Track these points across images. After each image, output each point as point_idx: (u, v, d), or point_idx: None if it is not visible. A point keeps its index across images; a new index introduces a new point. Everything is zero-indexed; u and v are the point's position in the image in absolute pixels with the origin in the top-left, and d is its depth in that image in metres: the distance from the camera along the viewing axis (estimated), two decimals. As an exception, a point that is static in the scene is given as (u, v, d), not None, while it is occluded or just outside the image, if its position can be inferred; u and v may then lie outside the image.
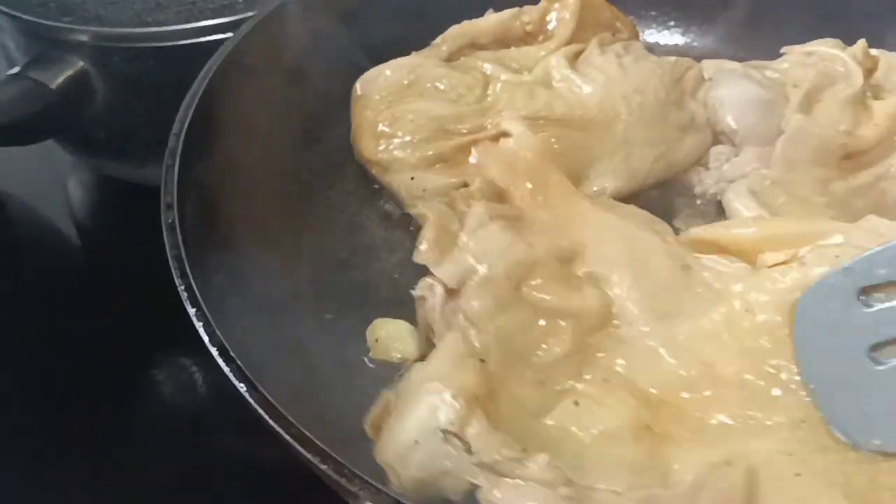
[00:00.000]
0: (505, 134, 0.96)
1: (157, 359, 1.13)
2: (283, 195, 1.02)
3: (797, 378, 0.75)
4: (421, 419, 0.71)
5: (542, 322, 0.81)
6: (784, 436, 0.73)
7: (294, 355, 0.85)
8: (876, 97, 1.06)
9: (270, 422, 0.62)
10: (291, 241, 0.99)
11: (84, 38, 1.11)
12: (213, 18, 1.12)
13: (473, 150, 0.94)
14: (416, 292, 0.85)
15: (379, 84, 1.06)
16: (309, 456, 0.61)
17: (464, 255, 0.81)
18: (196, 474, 0.98)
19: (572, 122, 1.03)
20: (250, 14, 1.10)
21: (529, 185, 0.89)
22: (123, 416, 1.05)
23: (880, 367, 0.71)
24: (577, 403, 0.75)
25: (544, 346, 0.80)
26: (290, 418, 0.63)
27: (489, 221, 0.84)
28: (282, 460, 0.83)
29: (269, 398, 0.64)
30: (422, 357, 0.84)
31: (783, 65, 1.13)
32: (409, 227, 1.01)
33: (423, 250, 0.83)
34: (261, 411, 0.63)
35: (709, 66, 1.14)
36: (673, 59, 1.14)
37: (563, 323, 0.81)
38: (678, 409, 0.75)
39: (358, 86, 1.07)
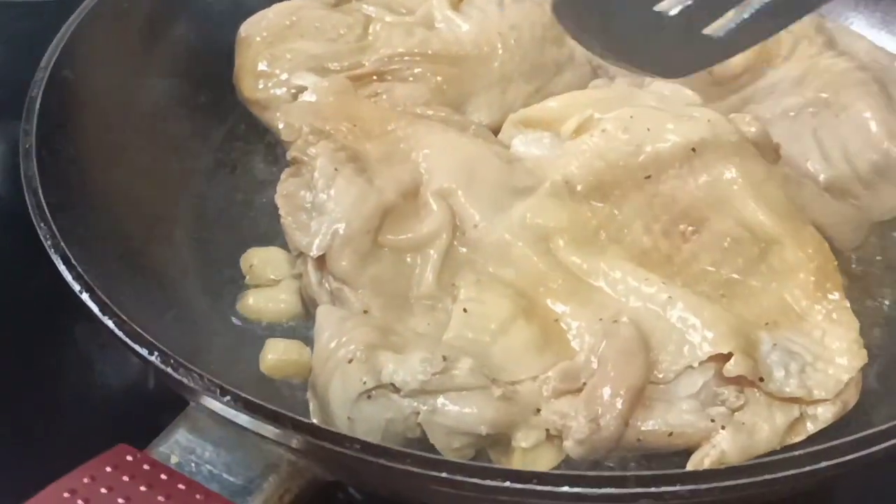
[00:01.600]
0: (302, 89, 0.98)
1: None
2: (167, 136, 1.03)
3: (621, 218, 0.82)
4: (339, 397, 0.73)
5: (408, 258, 0.84)
6: (640, 273, 0.78)
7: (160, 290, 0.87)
8: (745, 26, 1.08)
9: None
10: (174, 183, 1.01)
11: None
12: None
13: (278, 115, 0.95)
14: (293, 271, 0.88)
15: (261, 26, 1.08)
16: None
17: (319, 222, 0.83)
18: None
19: (447, 59, 1.05)
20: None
21: (344, 123, 0.91)
22: (46, 385, 1.00)
23: None
24: (465, 311, 0.77)
25: (417, 277, 0.83)
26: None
27: (335, 174, 0.85)
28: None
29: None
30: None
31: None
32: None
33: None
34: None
35: (590, 6, 1.16)
36: (554, -1, 1.16)
37: (430, 251, 0.84)
38: (544, 286, 0.79)
39: (242, 28, 1.10)
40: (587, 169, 0.85)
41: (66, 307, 0.69)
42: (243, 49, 1.08)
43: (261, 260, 0.92)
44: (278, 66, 1.04)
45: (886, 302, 0.91)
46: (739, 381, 0.73)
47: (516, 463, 0.74)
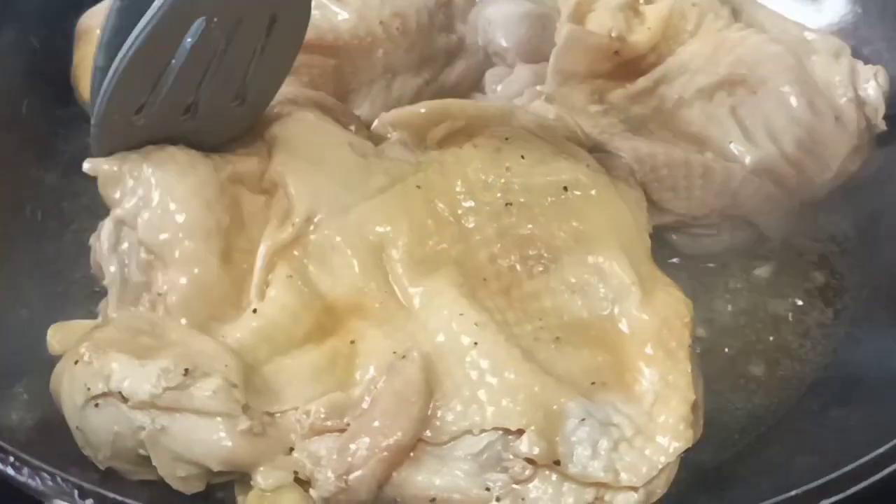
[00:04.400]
0: None
1: None
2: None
3: (470, 241, 0.74)
4: (68, 404, 0.65)
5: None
6: (457, 306, 0.69)
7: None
8: (648, 2, 1.00)
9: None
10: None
11: None
12: None
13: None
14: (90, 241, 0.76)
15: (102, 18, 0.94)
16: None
17: (138, 185, 0.72)
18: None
19: (322, 49, 0.93)
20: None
21: None
22: None
23: None
24: (255, 312, 0.68)
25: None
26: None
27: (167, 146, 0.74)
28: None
29: None
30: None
31: (555, -19, 1.07)
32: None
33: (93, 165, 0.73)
34: None
35: (479, -12, 1.06)
36: (439, -19, 1.06)
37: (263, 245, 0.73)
38: (358, 305, 0.70)
39: (81, 20, 0.97)
40: (445, 182, 0.76)
41: None
42: (84, 43, 0.95)
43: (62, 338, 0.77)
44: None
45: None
46: (532, 456, 0.62)
47: (247, 505, 0.63)
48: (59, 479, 0.59)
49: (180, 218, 0.69)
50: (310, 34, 0.91)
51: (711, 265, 0.88)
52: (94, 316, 0.76)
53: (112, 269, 0.72)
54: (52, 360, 0.70)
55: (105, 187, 0.72)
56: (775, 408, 0.79)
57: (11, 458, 0.60)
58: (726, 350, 0.82)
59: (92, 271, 0.77)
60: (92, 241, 0.76)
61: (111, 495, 0.59)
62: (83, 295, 0.83)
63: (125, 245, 0.72)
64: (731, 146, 0.88)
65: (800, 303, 0.86)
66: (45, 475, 0.59)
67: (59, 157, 0.96)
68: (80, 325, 0.77)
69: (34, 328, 0.76)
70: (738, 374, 0.81)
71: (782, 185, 0.87)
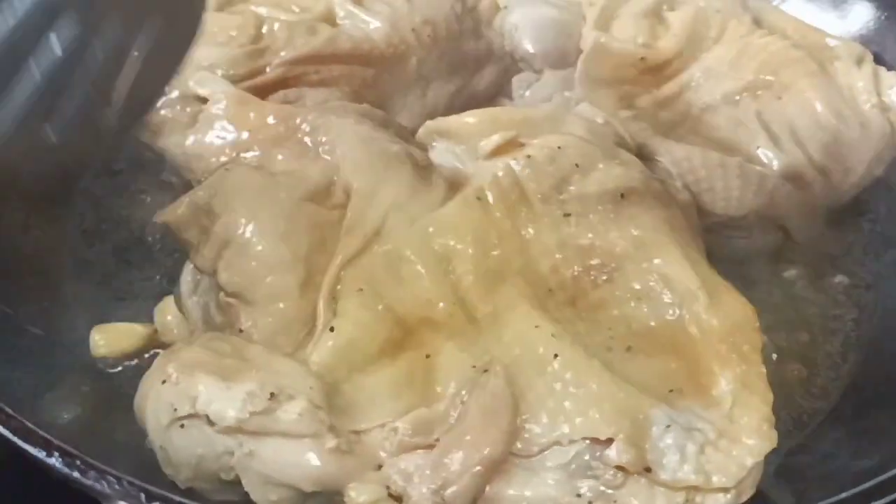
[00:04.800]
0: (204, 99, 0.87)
1: None
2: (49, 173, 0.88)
3: (531, 252, 0.75)
4: (153, 424, 0.65)
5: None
6: (531, 319, 0.70)
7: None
8: (671, 9, 1.02)
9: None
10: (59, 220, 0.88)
11: None
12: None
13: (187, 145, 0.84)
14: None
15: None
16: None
17: (212, 226, 0.72)
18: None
19: (360, 59, 0.94)
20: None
21: (248, 135, 0.82)
22: None
23: None
24: (332, 330, 0.68)
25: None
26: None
27: (231, 172, 0.76)
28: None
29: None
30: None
31: (579, -17, 1.09)
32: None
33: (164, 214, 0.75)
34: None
35: (503, -7, 1.08)
36: (464, -13, 1.07)
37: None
38: (429, 316, 0.71)
39: (122, 39, 0.94)
40: (504, 192, 0.76)
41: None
42: (123, 62, 0.93)
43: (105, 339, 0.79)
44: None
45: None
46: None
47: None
48: (125, 483, 0.58)
49: (258, 255, 0.70)
50: (346, 45, 0.93)
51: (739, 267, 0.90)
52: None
53: (195, 313, 0.73)
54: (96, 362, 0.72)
55: (180, 233, 0.73)
56: (812, 412, 0.81)
57: (78, 462, 0.58)
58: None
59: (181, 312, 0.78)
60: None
61: (178, 499, 0.59)
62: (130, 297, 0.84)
63: (204, 287, 0.73)
64: (759, 151, 0.91)
65: (828, 304, 0.89)
66: (111, 479, 0.58)
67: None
68: (123, 328, 0.78)
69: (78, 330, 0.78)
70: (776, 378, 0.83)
71: (809, 190, 0.91)
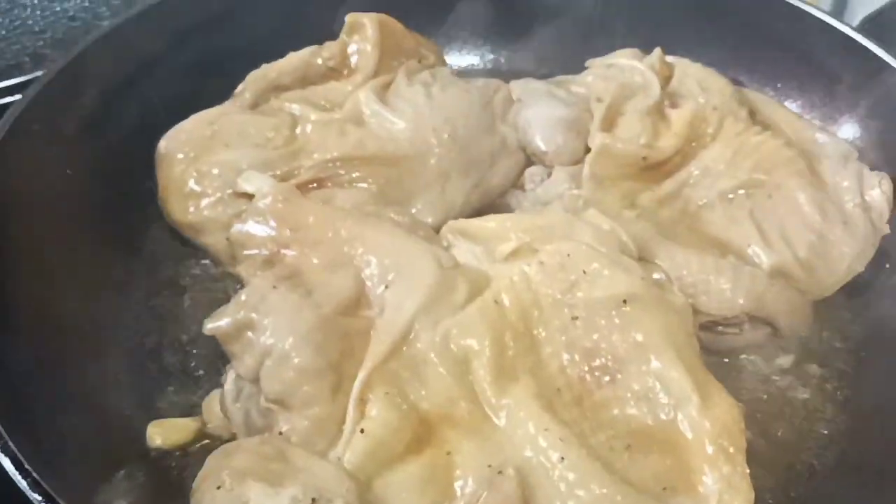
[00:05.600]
0: (247, 195, 0.95)
1: None
2: (90, 261, 0.97)
3: (541, 353, 0.83)
4: None
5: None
6: (541, 421, 0.77)
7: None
8: (673, 105, 1.10)
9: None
10: (104, 308, 0.96)
11: None
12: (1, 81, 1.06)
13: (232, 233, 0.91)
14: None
15: (181, 140, 1.02)
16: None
17: (255, 340, 0.81)
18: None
19: (385, 160, 1.02)
20: (39, 74, 1.05)
21: (290, 232, 0.89)
22: None
23: None
24: (363, 432, 0.76)
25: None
26: None
27: (271, 291, 0.83)
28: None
29: None
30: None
31: (588, 78, 1.17)
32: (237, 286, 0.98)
33: (213, 327, 0.83)
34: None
35: (516, 87, 1.16)
36: (481, 81, 1.15)
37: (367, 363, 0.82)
38: (449, 414, 0.79)
39: (160, 145, 1.03)
40: (518, 296, 0.85)
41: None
42: (165, 168, 1.02)
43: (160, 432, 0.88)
44: (208, 183, 0.98)
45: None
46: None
47: None
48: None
49: (295, 366, 0.78)
50: (373, 146, 1.02)
51: (726, 360, 0.98)
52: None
53: (237, 418, 0.82)
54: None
55: (226, 344, 0.82)
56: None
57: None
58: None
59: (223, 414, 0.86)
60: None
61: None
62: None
63: (246, 394, 0.82)
64: (750, 249, 0.99)
65: (814, 392, 0.97)
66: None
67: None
68: (177, 423, 0.87)
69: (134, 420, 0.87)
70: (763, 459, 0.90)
71: (795, 286, 0.98)
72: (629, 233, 0.94)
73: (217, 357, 0.91)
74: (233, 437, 0.84)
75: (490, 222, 0.95)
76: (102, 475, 0.80)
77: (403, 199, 1.02)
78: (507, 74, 1.23)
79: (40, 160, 0.97)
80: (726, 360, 0.99)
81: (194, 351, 0.95)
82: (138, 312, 0.98)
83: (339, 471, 0.75)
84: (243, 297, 0.83)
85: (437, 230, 0.98)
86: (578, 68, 1.21)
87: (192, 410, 0.90)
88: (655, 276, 0.92)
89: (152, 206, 1.03)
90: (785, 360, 0.99)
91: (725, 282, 0.94)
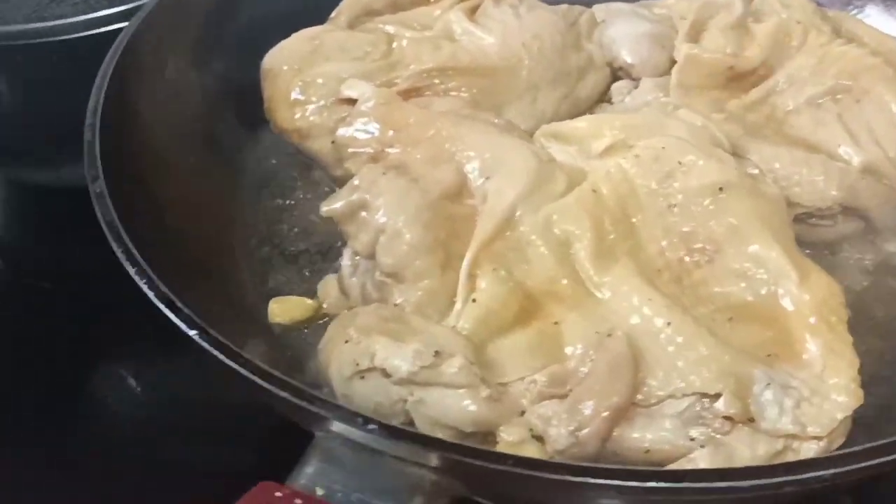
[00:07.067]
0: (352, 101, 0.99)
1: (90, 367, 1.12)
2: (203, 171, 1.02)
3: (639, 237, 0.86)
4: (336, 376, 0.77)
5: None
6: (645, 293, 0.81)
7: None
8: (756, 21, 1.12)
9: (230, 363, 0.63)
10: (220, 217, 1.01)
11: (-22, 40, 1.08)
12: (111, 7, 1.11)
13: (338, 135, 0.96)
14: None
15: (284, 55, 1.07)
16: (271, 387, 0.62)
17: (369, 218, 0.85)
18: (143, 483, 0.97)
19: (478, 71, 1.06)
20: (142, 2, 1.10)
21: (392, 132, 0.93)
22: (61, 429, 1.04)
23: None
24: (474, 301, 0.80)
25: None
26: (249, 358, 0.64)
27: (381, 176, 0.87)
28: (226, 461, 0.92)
29: (224, 341, 0.65)
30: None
31: (669, 1, 1.20)
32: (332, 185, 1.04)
33: (329, 209, 0.88)
34: (219, 354, 0.64)
35: (599, 10, 1.19)
36: (564, 6, 1.19)
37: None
38: (553, 290, 0.82)
39: (265, 61, 1.08)
40: (615, 186, 0.88)
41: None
42: (271, 81, 1.06)
43: (280, 309, 0.93)
44: (312, 91, 1.03)
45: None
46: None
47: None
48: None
49: (407, 242, 0.83)
50: (466, 58, 1.06)
51: (826, 252, 1.00)
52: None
53: (354, 292, 0.87)
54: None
55: (342, 224, 0.87)
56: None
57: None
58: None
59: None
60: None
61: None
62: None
63: (361, 269, 0.87)
64: (840, 149, 1.00)
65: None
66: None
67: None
68: (296, 300, 0.93)
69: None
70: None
71: (887, 183, 1.00)
72: (721, 130, 0.97)
73: (325, 246, 0.97)
74: (347, 314, 0.88)
75: (582, 122, 0.98)
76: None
77: (496, 108, 1.05)
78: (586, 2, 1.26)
79: (151, 81, 1.02)
80: (826, 252, 1.00)
81: (302, 243, 1.00)
82: (253, 212, 1.03)
83: (455, 332, 0.78)
84: (356, 182, 0.88)
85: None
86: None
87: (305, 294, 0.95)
88: (749, 169, 0.94)
89: (258, 121, 1.08)
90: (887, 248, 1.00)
91: (818, 174, 0.96)
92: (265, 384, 0.62)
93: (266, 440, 0.97)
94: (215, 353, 0.65)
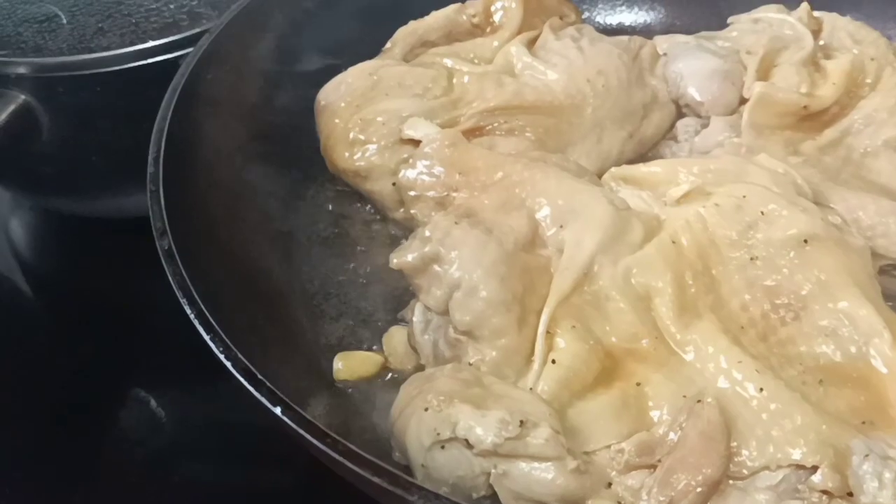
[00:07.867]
0: (414, 141, 0.96)
1: (117, 395, 1.09)
2: (263, 214, 0.99)
3: (721, 291, 0.82)
4: (414, 445, 0.73)
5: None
6: (733, 353, 0.77)
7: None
8: (827, 57, 1.09)
9: (315, 442, 0.60)
10: (283, 267, 0.97)
11: (24, 70, 1.05)
12: (158, 39, 1.08)
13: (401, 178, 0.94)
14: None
15: (342, 91, 1.03)
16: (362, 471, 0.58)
17: (442, 273, 0.82)
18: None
19: (543, 109, 1.02)
20: (196, 31, 1.07)
21: (458, 175, 0.90)
22: (86, 455, 1.01)
23: None
24: (554, 362, 0.77)
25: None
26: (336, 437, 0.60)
27: (454, 226, 0.83)
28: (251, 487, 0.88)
29: (311, 419, 0.61)
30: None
31: (732, 33, 1.16)
32: (391, 231, 1.01)
33: (400, 261, 0.84)
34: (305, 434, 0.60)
35: (661, 42, 1.15)
36: (626, 38, 1.15)
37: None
38: (634, 348, 0.78)
39: (320, 97, 1.05)
40: (695, 238, 0.84)
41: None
42: (328, 118, 1.03)
43: (346, 365, 0.89)
44: (372, 130, 0.99)
45: None
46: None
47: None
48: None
49: (484, 298, 0.79)
50: (531, 96, 1.02)
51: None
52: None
53: (426, 349, 0.83)
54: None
55: (413, 277, 0.83)
56: None
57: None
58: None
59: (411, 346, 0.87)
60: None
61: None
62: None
63: (434, 325, 0.83)
64: (924, 197, 0.97)
65: None
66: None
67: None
68: (362, 356, 0.89)
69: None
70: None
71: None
72: (800, 176, 0.93)
73: (389, 296, 0.93)
74: (415, 370, 0.85)
75: (657, 167, 0.94)
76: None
77: (561, 148, 1.02)
78: (643, 32, 1.25)
79: (212, 118, 0.98)
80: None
81: (363, 294, 0.95)
82: (307, 258, 0.99)
83: (537, 398, 0.74)
84: (427, 233, 0.84)
85: (597, 178, 0.98)
86: (715, 25, 1.20)
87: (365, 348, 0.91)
88: (832, 218, 0.90)
89: (313, 159, 1.04)
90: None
91: (903, 224, 0.92)
92: (359, 470, 0.58)
93: (287, 464, 0.95)
94: (301, 432, 0.61)
